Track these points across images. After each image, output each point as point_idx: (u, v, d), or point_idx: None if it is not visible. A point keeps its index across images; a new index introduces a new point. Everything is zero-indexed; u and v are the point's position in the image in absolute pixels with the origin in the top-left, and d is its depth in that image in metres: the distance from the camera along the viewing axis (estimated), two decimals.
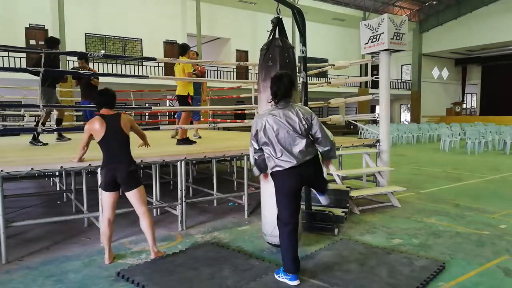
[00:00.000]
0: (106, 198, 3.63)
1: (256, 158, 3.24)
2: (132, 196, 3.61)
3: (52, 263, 3.66)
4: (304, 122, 3.08)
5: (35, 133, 5.95)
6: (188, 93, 5.93)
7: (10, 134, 8.61)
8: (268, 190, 3.75)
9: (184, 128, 5.83)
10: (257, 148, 3.20)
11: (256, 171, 3.31)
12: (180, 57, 6.03)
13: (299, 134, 3.06)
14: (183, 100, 5.97)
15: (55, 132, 6.77)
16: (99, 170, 3.91)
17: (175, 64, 6.07)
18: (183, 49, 6.08)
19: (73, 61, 16.22)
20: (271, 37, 3.90)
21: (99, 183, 3.86)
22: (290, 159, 3.03)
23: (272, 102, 3.18)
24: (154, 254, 3.67)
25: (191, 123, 7.88)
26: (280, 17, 3.94)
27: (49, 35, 16.59)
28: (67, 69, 15.86)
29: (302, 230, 4.56)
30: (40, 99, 5.12)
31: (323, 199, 3.38)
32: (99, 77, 7.40)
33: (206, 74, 8.19)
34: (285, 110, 3.10)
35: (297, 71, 4.20)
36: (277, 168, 3.08)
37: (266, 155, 3.16)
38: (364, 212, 5.39)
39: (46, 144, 6.04)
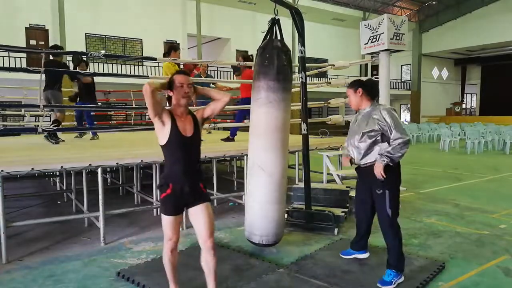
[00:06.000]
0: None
1: None
2: None
3: (52, 263, 3.66)
4: None
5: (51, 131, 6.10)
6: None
7: (10, 134, 8.62)
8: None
9: None
10: None
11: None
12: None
13: None
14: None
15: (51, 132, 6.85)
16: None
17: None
18: (167, 50, 6.00)
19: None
20: (267, 38, 3.88)
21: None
22: None
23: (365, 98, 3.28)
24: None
25: None
26: (277, 18, 3.91)
27: (49, 35, 16.62)
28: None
29: (301, 230, 4.57)
30: (43, 100, 5.32)
31: None
32: (97, 77, 7.48)
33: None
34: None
35: (296, 71, 4.20)
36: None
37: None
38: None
39: (63, 140, 6.25)
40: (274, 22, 3.88)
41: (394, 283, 3.04)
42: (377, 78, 6.30)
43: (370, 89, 3.28)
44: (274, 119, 3.73)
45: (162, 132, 2.55)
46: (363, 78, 3.58)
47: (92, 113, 7.51)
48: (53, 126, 5.70)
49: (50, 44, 16.44)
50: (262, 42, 3.85)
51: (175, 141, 2.53)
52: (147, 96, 2.50)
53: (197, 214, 2.61)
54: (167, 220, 2.60)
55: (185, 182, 2.55)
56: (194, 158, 2.63)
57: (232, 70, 7.57)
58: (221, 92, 2.82)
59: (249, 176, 3.92)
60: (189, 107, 2.68)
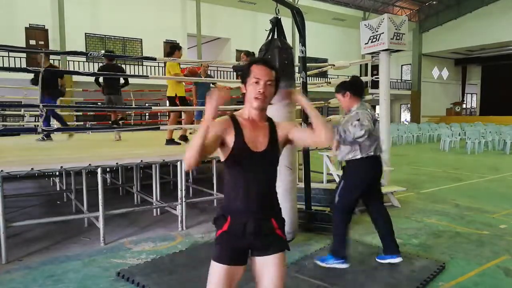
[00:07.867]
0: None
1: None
2: None
3: (52, 263, 3.66)
4: None
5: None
6: (176, 94, 5.83)
7: (10, 134, 8.63)
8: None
9: (170, 129, 5.78)
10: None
11: None
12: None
13: None
14: (171, 101, 5.93)
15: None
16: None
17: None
18: (170, 50, 6.01)
19: (73, 61, 16.24)
20: (270, 38, 3.90)
21: None
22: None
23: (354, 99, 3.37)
24: None
25: (192, 123, 7.86)
26: (279, 17, 3.93)
27: (49, 35, 16.61)
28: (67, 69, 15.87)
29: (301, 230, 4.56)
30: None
31: None
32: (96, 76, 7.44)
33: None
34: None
35: (296, 71, 4.21)
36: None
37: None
38: (364, 212, 5.36)
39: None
40: (278, 21, 3.92)
41: (329, 265, 3.34)
42: (377, 78, 6.30)
43: (355, 90, 3.38)
44: (294, 118, 4.03)
45: (223, 148, 1.79)
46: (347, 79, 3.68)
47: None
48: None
49: (50, 44, 16.49)
50: (277, 42, 3.85)
51: (238, 158, 1.76)
52: (199, 137, 1.60)
53: (266, 268, 1.78)
54: (217, 271, 1.74)
55: (249, 216, 1.75)
56: (266, 183, 1.81)
57: (233, 70, 7.58)
58: (324, 121, 1.80)
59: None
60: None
